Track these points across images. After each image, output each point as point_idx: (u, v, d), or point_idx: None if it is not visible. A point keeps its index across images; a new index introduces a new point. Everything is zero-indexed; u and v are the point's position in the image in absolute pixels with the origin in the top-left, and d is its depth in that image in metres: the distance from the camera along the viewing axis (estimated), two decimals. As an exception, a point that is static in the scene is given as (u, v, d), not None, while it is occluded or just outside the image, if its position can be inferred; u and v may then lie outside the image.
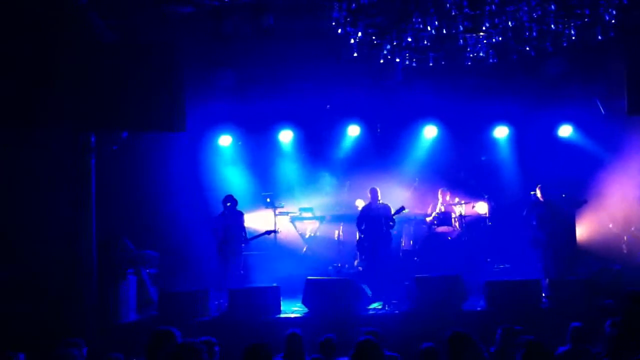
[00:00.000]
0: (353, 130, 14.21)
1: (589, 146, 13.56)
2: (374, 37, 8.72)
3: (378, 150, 14.25)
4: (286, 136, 14.25)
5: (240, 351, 5.99)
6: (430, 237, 13.13)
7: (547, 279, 10.71)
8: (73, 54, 9.54)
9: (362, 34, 8.56)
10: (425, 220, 13.45)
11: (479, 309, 10.31)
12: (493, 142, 14.47)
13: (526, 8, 7.87)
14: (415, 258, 13.00)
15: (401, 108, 13.61)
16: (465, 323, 7.29)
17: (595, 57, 11.76)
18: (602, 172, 13.10)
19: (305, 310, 10.42)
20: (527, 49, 8.98)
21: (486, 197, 13.45)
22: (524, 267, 12.27)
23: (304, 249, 13.92)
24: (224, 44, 11.26)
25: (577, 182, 13.12)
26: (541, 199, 12.05)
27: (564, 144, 13.88)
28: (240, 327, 9.55)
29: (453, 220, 13.18)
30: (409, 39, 8.50)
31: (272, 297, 10.31)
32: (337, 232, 13.43)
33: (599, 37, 8.58)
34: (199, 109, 11.79)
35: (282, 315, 10.24)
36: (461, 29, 8.16)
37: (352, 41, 8.66)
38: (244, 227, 11.65)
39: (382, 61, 9.21)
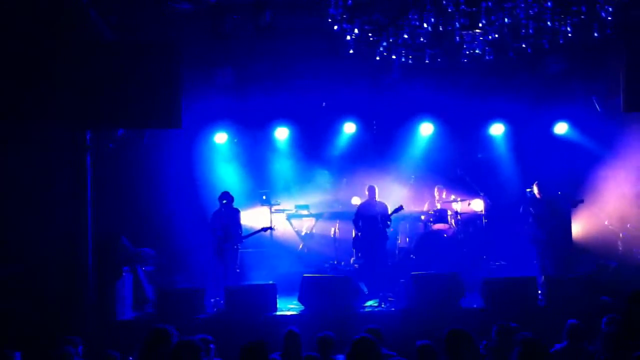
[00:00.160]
0: (349, 128, 14.20)
1: (586, 143, 13.57)
2: (370, 35, 8.70)
3: (374, 147, 14.25)
4: (282, 133, 14.23)
5: (236, 349, 6.00)
6: (426, 234, 13.13)
7: (544, 276, 10.73)
8: (70, 51, 9.52)
9: (358, 30, 8.54)
10: (421, 217, 13.47)
11: (475, 306, 10.32)
12: (489, 140, 14.49)
13: (523, 5, 7.85)
14: (412, 255, 13.01)
15: (398, 105, 13.60)
16: (462, 320, 7.28)
17: (592, 55, 11.78)
18: (598, 170, 13.11)
19: (302, 307, 10.42)
20: (524, 46, 8.97)
21: (482, 194, 13.45)
22: (520, 264, 12.30)
23: (301, 247, 13.93)
24: (221, 41, 11.24)
25: (573, 180, 13.15)
26: (538, 197, 12.07)
27: (560, 141, 13.90)
28: (236, 325, 9.55)
29: (449, 217, 13.19)
30: (406, 36, 8.48)
31: (268, 295, 10.29)
32: (333, 229, 13.42)
33: (596, 35, 8.57)
34: (195, 106, 11.78)
35: (278, 313, 10.23)
36: (458, 26, 8.15)
37: (348, 38, 8.64)
38: (240, 225, 11.64)
39: (378, 58, 9.18)
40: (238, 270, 11.57)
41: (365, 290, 10.92)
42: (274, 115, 13.81)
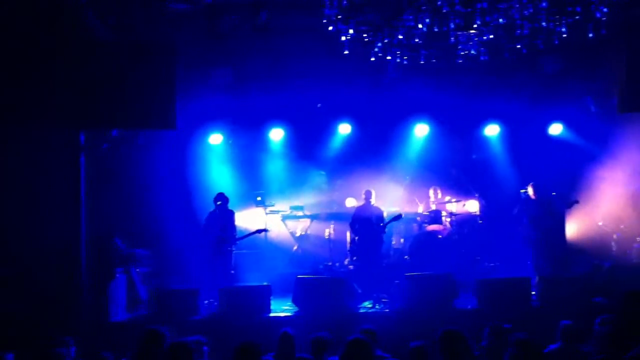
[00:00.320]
0: (344, 128, 14.18)
1: (580, 144, 13.58)
2: (365, 35, 8.69)
3: (369, 148, 14.22)
4: (277, 134, 14.19)
5: (230, 350, 5.98)
6: (421, 235, 13.12)
7: (538, 277, 10.73)
8: (65, 51, 9.50)
9: (353, 31, 8.53)
10: (416, 218, 13.46)
11: (469, 307, 10.33)
12: (484, 140, 14.48)
13: (518, 5, 7.86)
14: (406, 256, 12.99)
15: (393, 105, 13.57)
16: (456, 321, 7.27)
17: (587, 56, 11.77)
18: (593, 170, 13.12)
19: (296, 309, 10.40)
20: (519, 46, 8.98)
21: (477, 195, 13.46)
22: (515, 265, 12.30)
23: (295, 248, 13.90)
24: (217, 41, 11.22)
25: (568, 181, 13.16)
26: (533, 197, 12.08)
27: (555, 142, 13.90)
28: (230, 327, 9.52)
29: (444, 218, 13.18)
30: (400, 37, 8.48)
31: (262, 296, 10.27)
32: (327, 230, 13.39)
33: (590, 35, 8.57)
34: (190, 107, 11.74)
35: (272, 315, 10.21)
36: (453, 26, 8.15)
37: (343, 38, 8.63)
38: (234, 226, 11.61)
39: (373, 59, 9.18)
40: (232, 272, 11.53)
41: (360, 291, 10.91)
42: (269, 116, 13.76)
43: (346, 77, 12.39)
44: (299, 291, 10.43)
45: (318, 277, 11.37)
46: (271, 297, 10.39)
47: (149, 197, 12.66)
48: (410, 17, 8.09)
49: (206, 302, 10.69)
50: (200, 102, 12.34)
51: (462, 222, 13.38)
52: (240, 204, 12.95)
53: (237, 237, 11.58)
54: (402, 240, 13.49)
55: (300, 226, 14.05)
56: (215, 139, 13.94)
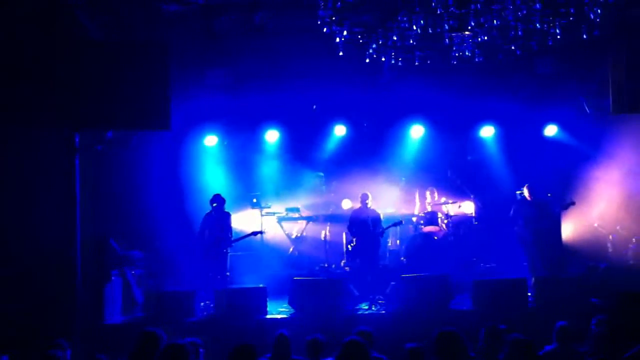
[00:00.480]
0: (340, 130, 14.17)
1: (575, 145, 13.60)
2: (359, 36, 8.70)
3: (365, 149, 14.21)
4: (272, 136, 14.18)
5: (226, 352, 5.96)
6: (416, 236, 13.13)
7: (534, 278, 10.74)
8: (59, 51, 9.42)
9: (348, 32, 8.54)
10: (411, 219, 13.46)
11: (465, 308, 10.33)
12: (480, 141, 14.49)
13: (511, 7, 7.87)
14: (402, 258, 13.00)
15: (388, 107, 13.58)
16: (452, 322, 7.26)
17: (582, 57, 11.79)
18: (588, 171, 13.15)
19: (292, 310, 10.39)
20: (513, 48, 9.00)
21: (472, 196, 13.47)
22: (511, 266, 12.32)
23: (291, 250, 13.89)
24: (213, 42, 11.20)
25: (563, 182, 13.18)
26: (529, 199, 12.10)
27: (550, 143, 13.92)
28: (226, 328, 9.51)
29: (439, 219, 13.20)
30: (395, 38, 8.49)
31: (258, 298, 10.26)
32: (324, 232, 13.39)
33: (584, 37, 8.59)
34: (185, 108, 11.71)
35: (268, 316, 10.19)
36: (447, 27, 8.16)
37: (338, 40, 8.64)
38: (230, 228, 11.58)
39: (367, 60, 9.19)
40: (228, 274, 11.52)
41: (356, 292, 10.91)
42: (264, 117, 13.75)
43: (342, 78, 12.38)
44: (295, 293, 10.43)
45: (314, 279, 11.36)
46: (267, 299, 10.37)
47: (144, 199, 12.63)
48: (405, 18, 8.10)
49: (202, 303, 10.67)
50: (195, 103, 12.31)
51: (458, 223, 13.40)
52: (235, 206, 12.92)
53: (232, 239, 11.56)
54: (398, 241, 13.51)
55: (296, 228, 14.04)
56: (211, 140, 13.92)
